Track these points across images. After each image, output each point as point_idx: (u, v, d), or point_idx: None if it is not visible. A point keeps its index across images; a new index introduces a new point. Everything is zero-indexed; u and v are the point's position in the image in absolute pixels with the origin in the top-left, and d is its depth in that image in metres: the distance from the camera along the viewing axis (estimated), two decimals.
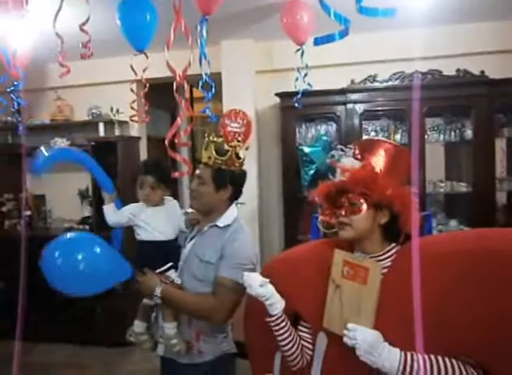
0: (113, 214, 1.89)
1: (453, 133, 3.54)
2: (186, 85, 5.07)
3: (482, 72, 3.40)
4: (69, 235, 1.66)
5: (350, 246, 1.40)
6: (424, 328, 0.98)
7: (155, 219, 1.81)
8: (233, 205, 1.79)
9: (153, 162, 1.96)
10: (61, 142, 4.21)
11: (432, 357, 1.17)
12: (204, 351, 1.72)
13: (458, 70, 3.45)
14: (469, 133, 3.44)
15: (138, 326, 1.84)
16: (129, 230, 1.93)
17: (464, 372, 1.16)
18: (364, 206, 1.30)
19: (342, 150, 1.40)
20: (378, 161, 1.35)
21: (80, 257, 1.54)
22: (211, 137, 1.67)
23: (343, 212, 1.33)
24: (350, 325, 1.22)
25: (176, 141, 1.37)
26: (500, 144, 3.54)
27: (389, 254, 1.34)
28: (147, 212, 1.82)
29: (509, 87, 3.26)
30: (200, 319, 1.70)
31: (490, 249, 1.22)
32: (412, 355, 1.17)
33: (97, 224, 4.06)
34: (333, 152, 1.42)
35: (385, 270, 1.29)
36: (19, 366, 1.15)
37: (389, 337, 1.20)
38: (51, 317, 3.96)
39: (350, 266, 1.30)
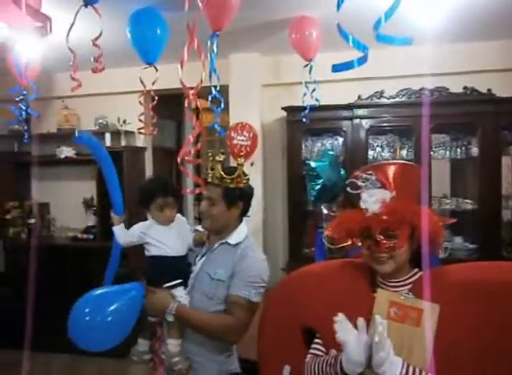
0: (125, 235, 1.87)
1: (459, 150, 3.53)
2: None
3: (489, 90, 3.40)
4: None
5: (371, 270, 1.36)
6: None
7: (166, 236, 1.79)
8: (243, 221, 1.78)
9: (165, 181, 1.90)
10: (67, 151, 4.25)
11: None
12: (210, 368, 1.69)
13: (465, 88, 3.46)
14: (475, 150, 3.44)
15: (141, 344, 1.80)
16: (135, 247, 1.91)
17: None
18: (405, 240, 1.27)
19: (366, 179, 1.32)
20: (403, 185, 1.32)
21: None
22: (217, 158, 1.67)
23: (383, 248, 1.27)
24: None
25: (187, 158, 1.37)
26: (506, 162, 3.52)
27: (411, 280, 1.31)
28: (157, 230, 1.81)
29: None
30: (215, 338, 1.67)
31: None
32: (414, 368, 1.15)
33: (101, 233, 4.07)
34: (355, 181, 1.34)
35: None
36: None
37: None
38: (51, 326, 3.94)
39: (398, 307, 1.23)
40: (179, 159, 1.26)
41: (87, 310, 1.65)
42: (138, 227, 1.85)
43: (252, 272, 1.64)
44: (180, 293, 1.72)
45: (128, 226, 1.91)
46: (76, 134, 2.01)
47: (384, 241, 1.26)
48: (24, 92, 2.78)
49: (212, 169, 1.69)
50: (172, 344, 1.67)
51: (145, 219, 1.90)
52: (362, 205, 1.30)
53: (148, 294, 1.71)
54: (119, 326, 1.69)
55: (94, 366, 3.69)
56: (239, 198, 1.72)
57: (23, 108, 2.81)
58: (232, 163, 3.28)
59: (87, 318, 1.63)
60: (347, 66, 1.23)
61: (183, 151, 1.25)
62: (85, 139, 2.08)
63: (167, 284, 1.72)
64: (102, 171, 2.06)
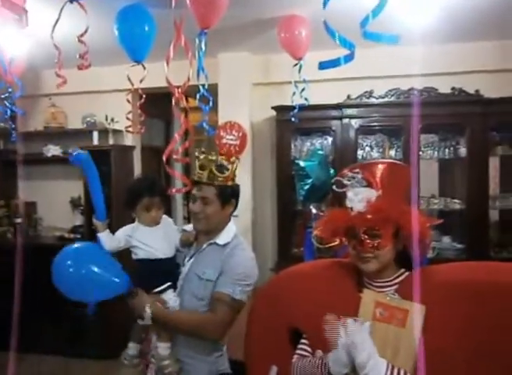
0: (111, 240, 1.81)
1: (447, 150, 3.55)
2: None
3: (477, 91, 3.43)
4: (79, 245, 1.74)
5: (357, 270, 1.35)
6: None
7: (152, 238, 1.76)
8: (231, 220, 1.77)
9: (152, 181, 1.84)
10: (54, 150, 4.19)
11: None
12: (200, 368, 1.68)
13: (453, 89, 3.48)
14: (463, 150, 3.46)
15: (132, 348, 1.78)
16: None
17: None
18: (389, 240, 1.27)
19: (352, 177, 1.31)
20: (390, 184, 1.31)
21: (90, 266, 1.62)
22: (209, 156, 1.64)
23: (367, 248, 1.26)
24: None
25: (175, 156, 1.35)
26: (494, 162, 3.55)
27: (397, 280, 1.31)
28: (143, 231, 1.77)
29: (503, 106, 3.29)
30: (196, 336, 1.66)
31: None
32: (399, 369, 1.15)
33: (88, 233, 4.01)
34: (341, 179, 1.33)
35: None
36: None
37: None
38: (42, 327, 3.90)
39: (384, 308, 1.23)
40: (164, 158, 1.24)
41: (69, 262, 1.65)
42: (123, 231, 1.81)
43: (239, 270, 1.63)
44: (170, 295, 1.70)
45: (115, 228, 1.86)
46: (74, 154, 1.81)
47: (368, 241, 1.26)
48: (9, 89, 2.73)
49: (202, 168, 1.66)
50: (162, 347, 1.65)
51: (132, 221, 1.86)
52: (348, 203, 1.30)
53: (132, 299, 1.66)
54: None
55: (85, 369, 3.66)
56: (231, 196, 1.72)
57: (8, 105, 2.76)
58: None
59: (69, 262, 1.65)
60: (334, 63, 1.23)
61: (168, 149, 1.23)
62: (84, 159, 1.85)
63: (156, 290, 1.69)
64: (89, 184, 1.90)
